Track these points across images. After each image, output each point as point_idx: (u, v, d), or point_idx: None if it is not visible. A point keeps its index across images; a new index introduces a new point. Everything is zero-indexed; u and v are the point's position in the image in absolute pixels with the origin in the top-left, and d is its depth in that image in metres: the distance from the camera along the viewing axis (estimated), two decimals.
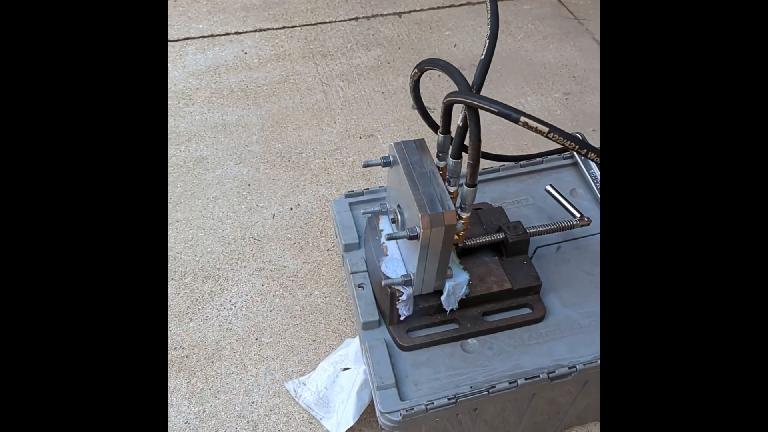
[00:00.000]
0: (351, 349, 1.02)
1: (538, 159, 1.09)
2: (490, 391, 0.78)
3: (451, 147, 0.79)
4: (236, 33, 1.90)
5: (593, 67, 1.82)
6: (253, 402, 1.05)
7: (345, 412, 0.95)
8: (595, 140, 1.55)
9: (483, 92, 0.75)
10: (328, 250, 1.29)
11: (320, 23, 1.96)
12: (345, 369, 1.02)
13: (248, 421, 1.03)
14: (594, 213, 1.00)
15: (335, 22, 1.97)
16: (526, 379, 0.79)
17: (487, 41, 0.72)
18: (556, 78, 1.77)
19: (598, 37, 1.94)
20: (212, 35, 1.89)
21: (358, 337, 0.97)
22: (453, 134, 0.81)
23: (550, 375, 0.80)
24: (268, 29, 1.92)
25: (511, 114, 0.65)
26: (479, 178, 1.06)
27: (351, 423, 0.95)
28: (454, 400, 0.77)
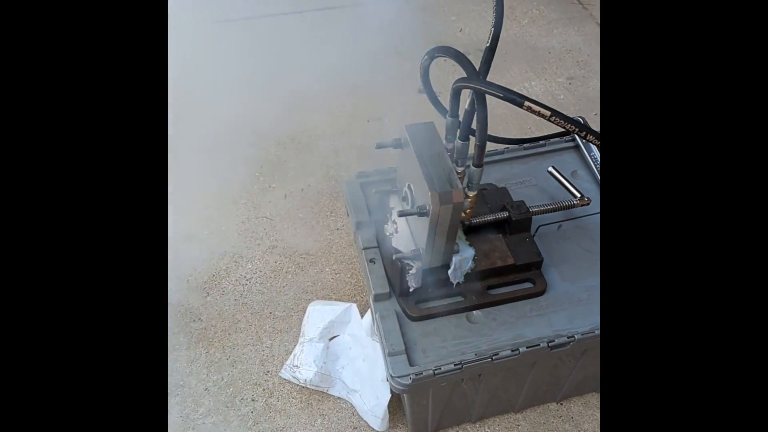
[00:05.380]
0: (341, 316, 1.07)
1: (541, 142, 1.13)
2: (493, 357, 0.83)
3: (458, 129, 0.84)
4: (248, 19, 1.93)
5: (597, 52, 1.85)
6: (268, 371, 1.11)
7: (381, 394, 0.98)
8: (596, 124, 1.59)
9: (488, 76, 0.79)
10: (337, 229, 1.34)
11: (328, 9, 1.99)
12: (332, 338, 1.07)
13: (264, 389, 1.09)
14: (594, 193, 1.05)
15: (343, 7, 2.00)
16: (527, 348, 0.85)
17: (492, 29, 0.77)
18: (560, 63, 1.81)
19: None
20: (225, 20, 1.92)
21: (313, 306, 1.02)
22: (460, 118, 0.85)
23: (550, 344, 0.85)
24: (278, 15, 1.95)
25: (515, 99, 0.69)
26: (484, 160, 1.11)
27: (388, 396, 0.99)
28: (460, 366, 0.82)
